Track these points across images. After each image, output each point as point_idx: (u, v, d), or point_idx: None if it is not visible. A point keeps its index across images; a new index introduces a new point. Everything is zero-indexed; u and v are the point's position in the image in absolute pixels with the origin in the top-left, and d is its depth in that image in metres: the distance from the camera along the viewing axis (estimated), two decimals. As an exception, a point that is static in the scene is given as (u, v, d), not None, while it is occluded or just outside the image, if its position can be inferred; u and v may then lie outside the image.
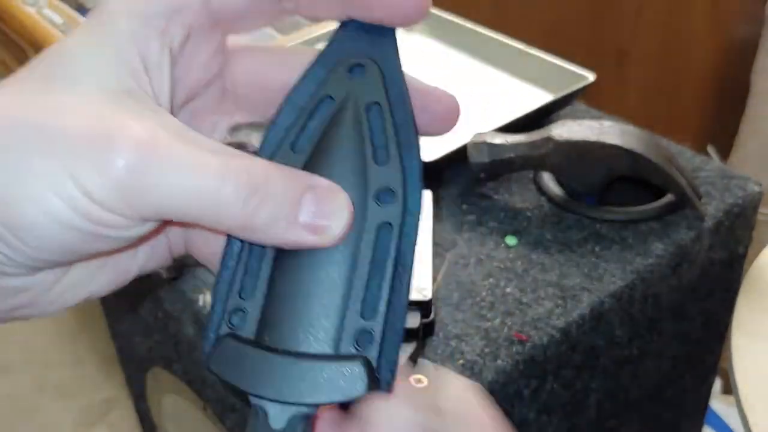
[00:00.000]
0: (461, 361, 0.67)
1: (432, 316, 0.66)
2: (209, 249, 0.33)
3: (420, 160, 0.30)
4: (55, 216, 0.26)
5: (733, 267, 0.89)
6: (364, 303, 0.29)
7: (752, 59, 1.65)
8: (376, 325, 0.29)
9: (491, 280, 0.75)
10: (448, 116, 0.32)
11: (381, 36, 0.31)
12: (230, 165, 0.27)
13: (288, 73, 0.32)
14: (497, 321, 0.70)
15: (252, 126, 0.35)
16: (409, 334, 0.62)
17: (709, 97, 1.81)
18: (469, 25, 1.07)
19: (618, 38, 1.63)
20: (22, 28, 1.17)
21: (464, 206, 0.84)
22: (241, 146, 0.33)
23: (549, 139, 0.78)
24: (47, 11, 1.23)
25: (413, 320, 0.63)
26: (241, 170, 0.27)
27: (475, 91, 0.99)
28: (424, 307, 0.64)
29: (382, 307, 0.29)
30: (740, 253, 0.89)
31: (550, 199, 0.83)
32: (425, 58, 1.07)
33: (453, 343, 0.68)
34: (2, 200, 0.26)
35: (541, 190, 0.84)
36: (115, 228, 0.27)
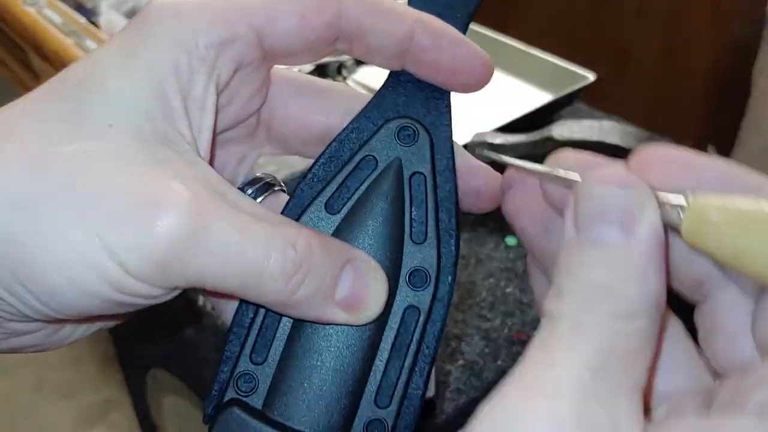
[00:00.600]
0: (461, 361, 0.67)
1: (432, 316, 0.66)
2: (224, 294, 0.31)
3: (458, 246, 0.29)
4: (82, 286, 0.24)
5: (734, 267, 0.89)
6: (380, 389, 0.28)
7: (753, 59, 1.65)
8: (389, 415, 0.28)
9: (491, 280, 0.75)
10: (489, 196, 0.30)
11: (435, 99, 0.29)
12: (275, 238, 0.25)
13: (332, 117, 0.30)
14: (497, 321, 0.70)
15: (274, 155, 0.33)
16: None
17: (710, 96, 1.80)
18: (470, 25, 1.07)
19: (618, 38, 1.63)
20: (22, 28, 1.17)
21: (464, 206, 0.84)
22: (268, 184, 0.32)
23: (549, 139, 0.78)
24: (47, 11, 1.23)
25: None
26: (286, 244, 0.25)
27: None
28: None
29: (397, 396, 0.28)
30: (741, 253, 0.88)
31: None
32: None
33: (453, 343, 0.68)
34: (24, 260, 0.23)
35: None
36: (144, 297, 0.25)
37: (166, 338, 0.91)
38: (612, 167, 0.22)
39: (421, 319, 0.28)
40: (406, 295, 0.28)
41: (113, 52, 0.26)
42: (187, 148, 0.26)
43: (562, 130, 0.79)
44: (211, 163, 0.28)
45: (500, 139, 0.81)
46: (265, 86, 0.30)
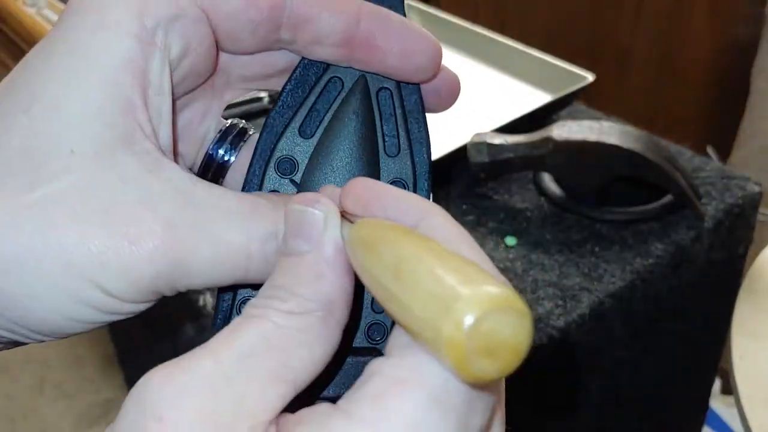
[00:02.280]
0: (461, 362, 0.67)
1: (432, 316, 0.66)
2: None
3: (430, 153, 0.30)
4: (71, 315, 0.25)
5: (733, 267, 0.89)
6: (374, 299, 0.29)
7: (752, 59, 1.65)
8: (387, 319, 0.29)
9: (491, 280, 0.75)
10: (450, 92, 0.31)
11: None
12: (253, 232, 0.26)
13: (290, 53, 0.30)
14: (497, 321, 0.70)
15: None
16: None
17: (709, 97, 1.81)
18: (469, 26, 1.07)
19: (618, 38, 1.63)
20: (22, 29, 1.17)
21: (464, 206, 0.84)
22: (240, 132, 0.32)
23: (549, 140, 0.78)
24: (47, 12, 1.23)
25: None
26: (266, 237, 0.26)
27: (476, 91, 1.00)
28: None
29: None
30: (740, 253, 0.89)
31: (550, 199, 0.83)
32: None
33: (453, 343, 0.68)
34: (16, 308, 0.24)
35: (541, 190, 0.84)
36: (134, 312, 0.26)
37: (166, 338, 0.92)
38: (314, 194, 0.26)
39: None
40: None
41: (55, 57, 0.25)
42: (150, 148, 0.26)
43: (561, 130, 0.79)
44: (174, 135, 0.28)
45: (500, 140, 0.81)
46: (215, 57, 0.30)
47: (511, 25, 1.43)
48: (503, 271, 0.76)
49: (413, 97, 0.30)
